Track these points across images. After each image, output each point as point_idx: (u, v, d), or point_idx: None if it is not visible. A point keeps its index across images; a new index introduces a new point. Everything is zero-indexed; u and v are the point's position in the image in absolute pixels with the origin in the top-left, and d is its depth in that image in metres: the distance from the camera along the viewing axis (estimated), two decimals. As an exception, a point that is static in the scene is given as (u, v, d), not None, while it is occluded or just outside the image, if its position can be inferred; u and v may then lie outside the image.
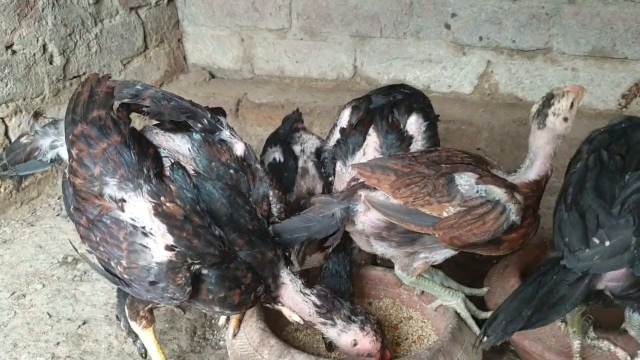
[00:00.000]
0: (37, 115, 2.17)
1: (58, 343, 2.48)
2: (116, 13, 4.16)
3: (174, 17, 4.81)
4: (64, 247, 3.16)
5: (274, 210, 2.01)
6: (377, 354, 2.00)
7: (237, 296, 1.83)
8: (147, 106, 1.90)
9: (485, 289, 2.35)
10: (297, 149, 2.65)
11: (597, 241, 1.71)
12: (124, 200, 1.73)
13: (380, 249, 2.17)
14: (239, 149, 1.96)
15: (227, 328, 2.25)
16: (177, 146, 1.91)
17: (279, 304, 2.01)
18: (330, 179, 2.48)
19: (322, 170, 2.56)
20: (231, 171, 1.91)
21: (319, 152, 2.63)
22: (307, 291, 1.98)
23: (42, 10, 3.54)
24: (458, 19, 4.20)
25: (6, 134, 3.45)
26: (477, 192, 1.98)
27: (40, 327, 2.57)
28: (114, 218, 1.73)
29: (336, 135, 2.50)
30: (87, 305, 2.71)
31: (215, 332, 2.58)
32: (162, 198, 1.73)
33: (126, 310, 2.07)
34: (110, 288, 2.81)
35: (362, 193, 2.08)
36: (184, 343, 2.50)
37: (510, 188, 2.00)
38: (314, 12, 4.51)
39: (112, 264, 1.78)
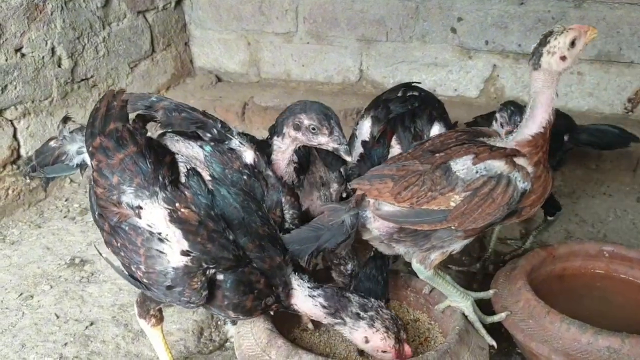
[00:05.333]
0: (65, 120, 2.22)
1: (66, 344, 2.49)
2: (124, 17, 4.19)
3: (181, 20, 4.84)
4: (72, 248, 3.18)
5: (287, 216, 2.02)
6: (391, 350, 1.98)
7: (250, 301, 1.86)
8: (157, 118, 1.98)
9: (491, 292, 2.34)
10: None
11: None
12: (141, 208, 1.78)
13: (401, 249, 2.16)
14: (248, 157, 1.98)
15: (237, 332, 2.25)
16: (196, 153, 1.95)
17: (295, 311, 2.02)
18: None
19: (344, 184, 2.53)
20: (245, 177, 1.95)
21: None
22: (315, 293, 1.98)
23: (51, 14, 3.57)
24: (464, 23, 4.21)
25: (15, 136, 3.48)
26: (477, 172, 1.95)
27: (48, 328, 2.59)
28: (131, 225, 1.79)
29: (358, 149, 2.46)
30: (94, 306, 2.73)
31: (222, 332, 2.59)
32: (177, 204, 1.78)
33: (136, 309, 2.11)
34: (117, 289, 2.83)
35: (371, 200, 2.07)
36: (191, 344, 2.51)
37: (511, 156, 1.95)
38: (320, 16, 4.53)
39: (133, 268, 1.84)
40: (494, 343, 2.19)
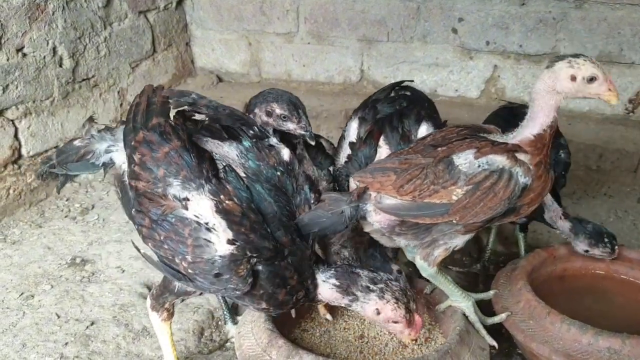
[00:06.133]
0: (91, 119, 2.25)
1: (66, 343, 2.50)
2: (125, 17, 4.19)
3: (182, 20, 4.84)
4: (72, 248, 3.18)
5: None
6: (402, 320, 2.00)
7: (283, 295, 1.91)
8: (204, 113, 2.03)
9: (492, 292, 2.35)
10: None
11: None
12: (188, 199, 1.82)
13: (402, 242, 2.17)
14: (285, 154, 2.04)
15: (239, 332, 2.26)
16: (226, 152, 2.00)
17: (319, 301, 2.06)
18: None
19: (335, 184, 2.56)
20: (278, 173, 2.00)
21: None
22: (328, 275, 2.02)
23: (53, 14, 3.57)
24: (465, 24, 4.21)
25: (16, 135, 3.48)
26: (479, 166, 1.95)
27: (48, 328, 2.59)
28: (178, 216, 1.82)
29: (346, 151, 2.48)
30: (95, 306, 2.73)
31: (222, 333, 2.59)
32: (221, 196, 1.83)
33: (150, 301, 2.14)
34: (118, 289, 2.83)
35: (373, 194, 2.08)
36: (192, 344, 2.52)
37: (512, 151, 1.96)
38: (321, 17, 4.53)
39: (177, 260, 1.86)
40: (494, 343, 2.19)
